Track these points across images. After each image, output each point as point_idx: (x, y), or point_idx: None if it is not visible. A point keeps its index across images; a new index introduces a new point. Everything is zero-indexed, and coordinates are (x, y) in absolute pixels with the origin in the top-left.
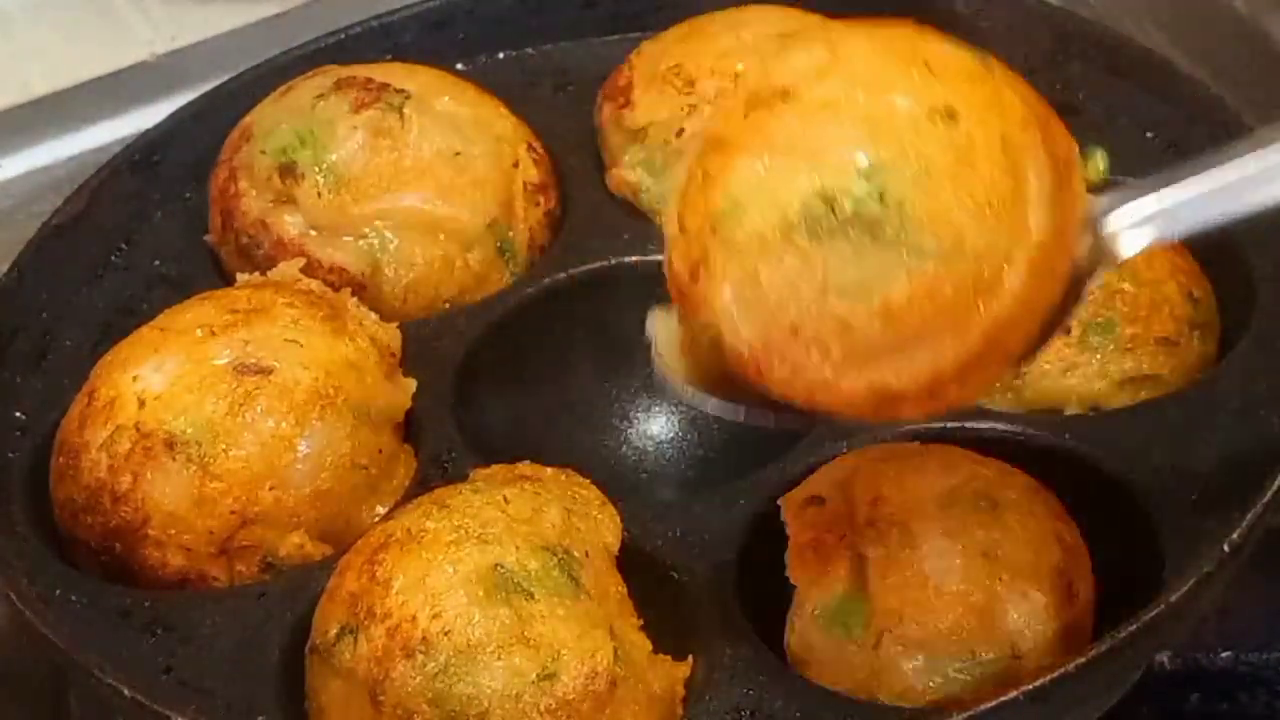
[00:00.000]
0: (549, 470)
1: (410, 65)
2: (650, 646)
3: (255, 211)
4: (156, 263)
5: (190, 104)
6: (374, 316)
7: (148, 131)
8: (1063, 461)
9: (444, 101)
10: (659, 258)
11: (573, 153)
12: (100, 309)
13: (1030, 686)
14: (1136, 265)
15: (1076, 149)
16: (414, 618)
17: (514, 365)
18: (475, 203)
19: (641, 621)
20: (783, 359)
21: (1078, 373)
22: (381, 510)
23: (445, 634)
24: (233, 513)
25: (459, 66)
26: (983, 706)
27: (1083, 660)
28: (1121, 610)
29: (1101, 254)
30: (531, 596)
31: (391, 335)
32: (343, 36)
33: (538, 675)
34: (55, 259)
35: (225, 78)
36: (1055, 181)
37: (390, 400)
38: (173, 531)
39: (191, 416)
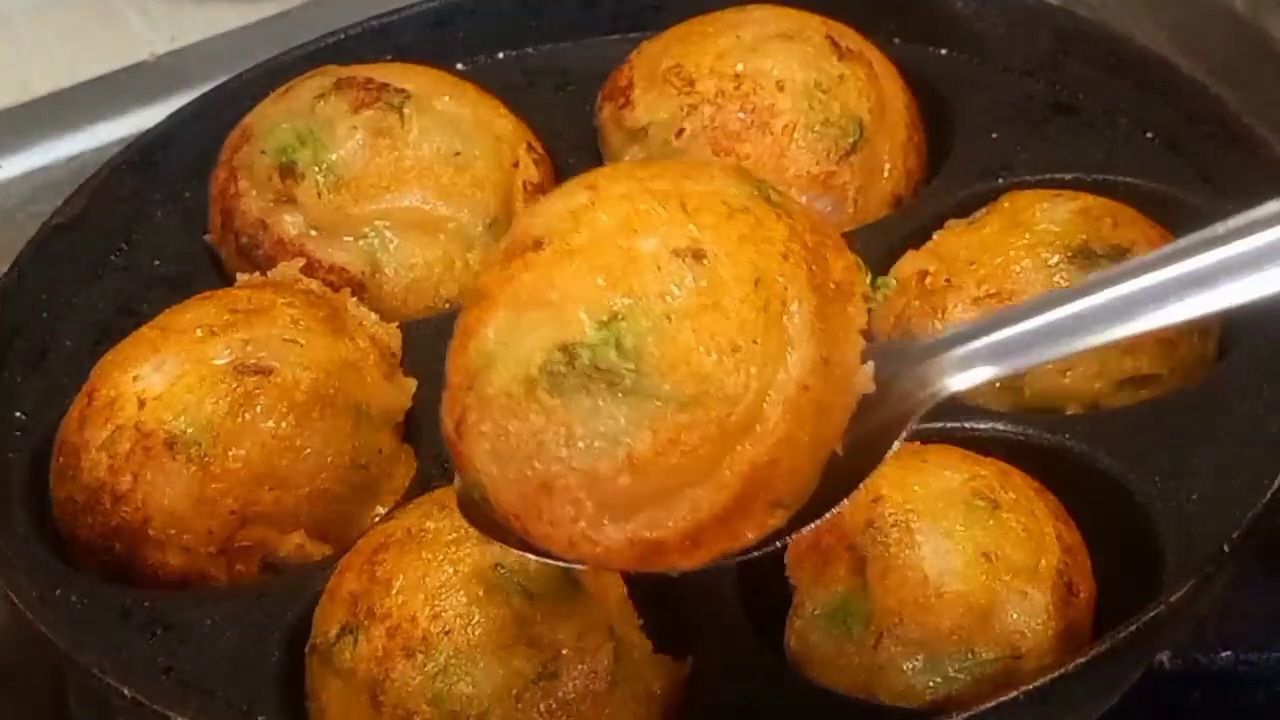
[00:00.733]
0: None
1: (410, 65)
2: (650, 646)
3: (255, 211)
4: (156, 263)
5: (190, 104)
6: (374, 316)
7: (148, 131)
8: (1063, 461)
9: (444, 101)
10: None
11: (573, 153)
12: (100, 309)
13: (1030, 686)
14: None
15: (857, 273)
16: (414, 618)
17: None
18: (475, 203)
19: (641, 621)
20: (539, 515)
21: (1077, 373)
22: (381, 510)
23: (445, 634)
24: (233, 513)
25: (459, 66)
26: (983, 706)
27: (1083, 660)
28: (1121, 610)
29: (928, 389)
30: (531, 596)
31: (391, 335)
32: (343, 36)
33: (538, 675)
34: (55, 259)
35: (225, 78)
36: (821, 311)
37: (390, 400)
38: (173, 531)
39: (191, 416)
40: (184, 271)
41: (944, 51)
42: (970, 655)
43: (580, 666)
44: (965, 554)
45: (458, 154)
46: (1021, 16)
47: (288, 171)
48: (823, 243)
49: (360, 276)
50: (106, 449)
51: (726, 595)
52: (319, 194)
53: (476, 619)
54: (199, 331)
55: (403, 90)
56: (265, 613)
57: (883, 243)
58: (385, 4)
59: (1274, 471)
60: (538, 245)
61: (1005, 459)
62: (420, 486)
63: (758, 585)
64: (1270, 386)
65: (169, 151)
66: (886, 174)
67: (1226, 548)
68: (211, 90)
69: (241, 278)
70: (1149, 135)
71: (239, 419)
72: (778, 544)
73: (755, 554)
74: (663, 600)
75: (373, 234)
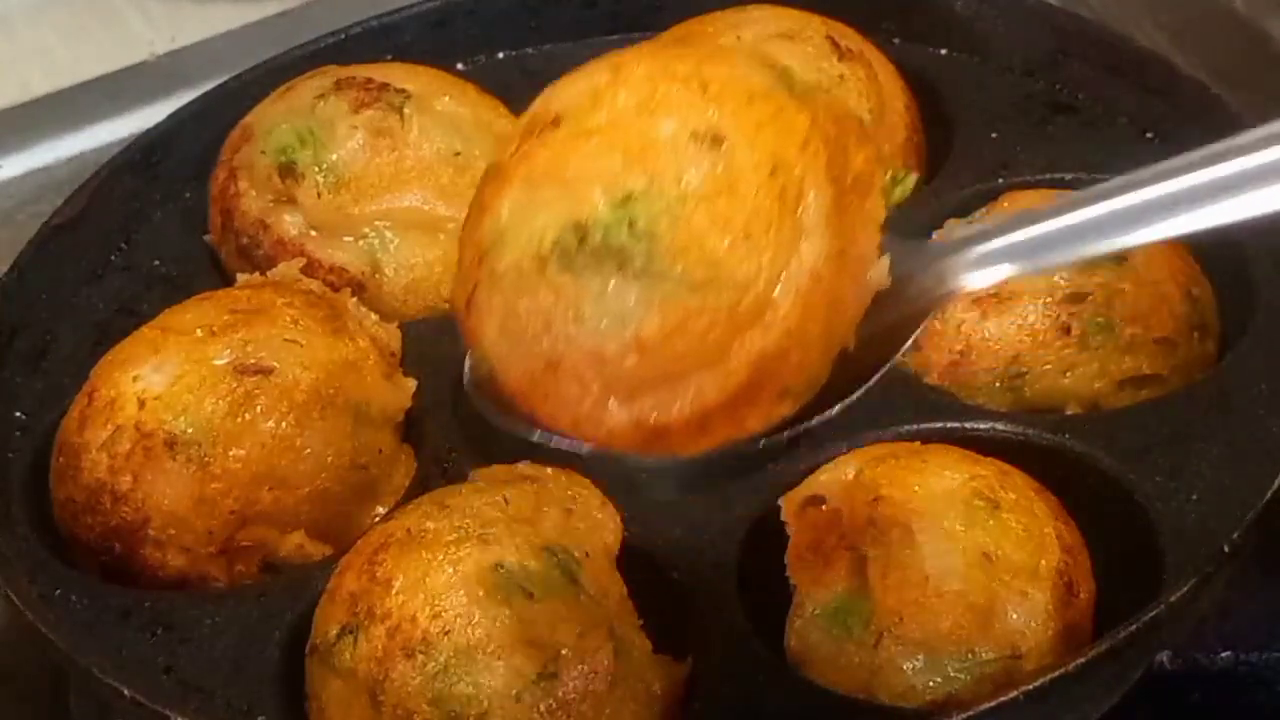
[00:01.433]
0: (549, 470)
1: (410, 65)
2: (650, 646)
3: (255, 211)
4: (156, 263)
5: (190, 104)
6: (374, 316)
7: (148, 131)
8: (1063, 461)
9: (444, 101)
10: None
11: None
12: (100, 309)
13: (1030, 686)
14: (1136, 265)
15: (880, 169)
16: (414, 618)
17: None
18: None
19: (641, 621)
20: (545, 393)
21: (1078, 373)
22: (381, 510)
23: (445, 634)
24: (233, 513)
25: (459, 66)
26: (983, 706)
27: (1083, 660)
28: (1121, 610)
29: (945, 286)
30: (531, 596)
31: (391, 335)
32: (343, 36)
33: (538, 675)
34: (55, 259)
35: (225, 78)
36: (838, 203)
37: (390, 400)
38: (173, 531)
39: (192, 416)
40: (184, 271)
41: (944, 51)
42: (970, 655)
43: (580, 666)
44: (965, 554)
45: (458, 154)
46: (1021, 16)
47: (288, 171)
48: (844, 134)
49: (360, 276)
50: (106, 449)
51: (726, 595)
52: (319, 194)
53: (476, 619)
54: (199, 331)
55: (403, 90)
56: (265, 613)
57: None
58: (385, 4)
59: (1274, 471)
60: (555, 123)
61: (1005, 459)
62: (420, 486)
63: (758, 585)
64: (1271, 386)
65: (169, 151)
66: None
67: (1226, 548)
68: (211, 90)
69: (241, 278)
70: (1149, 135)
71: (239, 419)
72: (783, 435)
73: (760, 443)
74: (663, 600)
75: (373, 234)
